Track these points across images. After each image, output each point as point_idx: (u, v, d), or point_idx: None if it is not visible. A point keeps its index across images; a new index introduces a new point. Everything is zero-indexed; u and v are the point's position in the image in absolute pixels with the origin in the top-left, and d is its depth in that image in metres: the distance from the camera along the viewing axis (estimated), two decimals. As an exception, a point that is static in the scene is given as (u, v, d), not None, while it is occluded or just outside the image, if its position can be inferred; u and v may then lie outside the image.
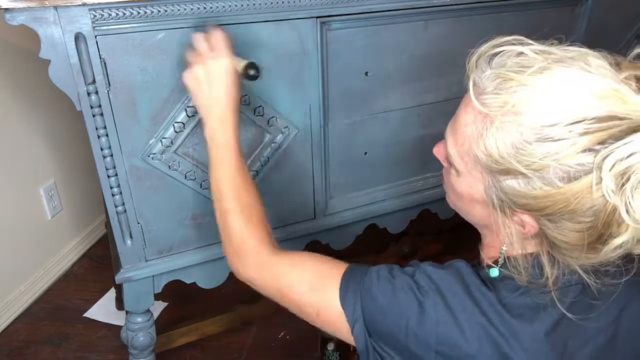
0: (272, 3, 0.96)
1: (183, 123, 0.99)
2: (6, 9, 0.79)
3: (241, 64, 0.87)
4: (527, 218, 0.58)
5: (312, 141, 1.14)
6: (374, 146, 1.24)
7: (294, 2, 0.98)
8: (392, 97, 1.20)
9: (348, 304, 0.67)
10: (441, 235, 1.76)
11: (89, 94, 0.90)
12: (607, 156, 0.50)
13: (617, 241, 0.54)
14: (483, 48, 0.59)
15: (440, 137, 0.70)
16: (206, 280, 1.19)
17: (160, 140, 0.99)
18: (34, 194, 1.72)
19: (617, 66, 0.54)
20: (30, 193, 1.70)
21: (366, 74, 1.14)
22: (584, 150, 0.51)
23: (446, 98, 1.25)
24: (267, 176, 1.13)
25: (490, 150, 0.56)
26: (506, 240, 0.62)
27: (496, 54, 0.58)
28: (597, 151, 0.51)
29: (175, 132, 0.99)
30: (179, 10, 0.90)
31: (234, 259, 0.82)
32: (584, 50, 0.56)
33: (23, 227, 1.68)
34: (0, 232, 1.58)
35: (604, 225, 0.54)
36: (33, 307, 1.71)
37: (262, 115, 1.06)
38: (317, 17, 1.02)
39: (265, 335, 1.51)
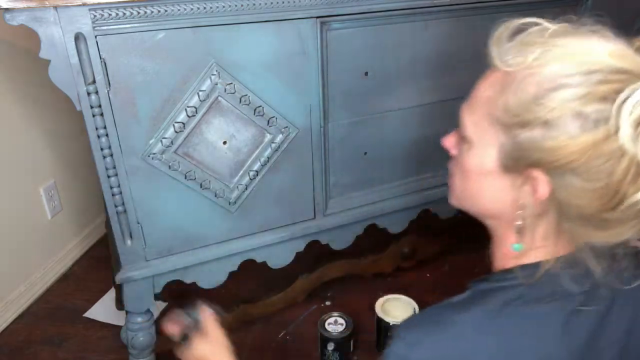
0: (272, 3, 0.96)
1: (183, 123, 0.99)
2: (6, 9, 0.80)
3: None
4: (539, 174, 0.58)
5: (312, 141, 1.15)
6: (374, 146, 1.24)
7: (294, 2, 0.98)
8: (392, 97, 1.20)
9: None
10: (441, 235, 1.76)
11: (89, 94, 0.90)
12: (625, 100, 0.51)
13: (636, 197, 0.53)
14: (502, 28, 0.63)
15: (439, 137, 0.71)
16: (206, 280, 1.19)
17: (160, 140, 0.99)
18: (34, 194, 1.72)
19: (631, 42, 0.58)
20: (30, 193, 1.70)
21: (366, 74, 1.14)
22: (601, 98, 0.52)
23: (446, 98, 1.25)
24: (267, 176, 1.13)
25: (509, 105, 0.58)
26: (519, 219, 0.61)
27: (516, 32, 0.62)
28: (614, 99, 0.52)
29: (175, 132, 0.99)
30: (179, 10, 0.90)
31: None
32: (600, 26, 0.61)
33: (23, 227, 1.68)
34: (0, 232, 1.58)
35: (618, 182, 0.53)
36: (33, 307, 1.70)
37: (262, 115, 1.06)
38: (317, 17, 1.02)
39: (265, 335, 1.50)
